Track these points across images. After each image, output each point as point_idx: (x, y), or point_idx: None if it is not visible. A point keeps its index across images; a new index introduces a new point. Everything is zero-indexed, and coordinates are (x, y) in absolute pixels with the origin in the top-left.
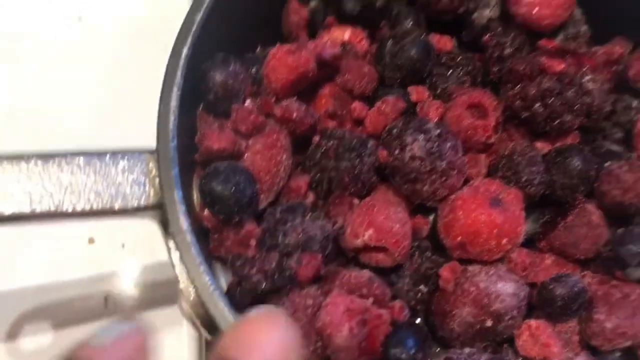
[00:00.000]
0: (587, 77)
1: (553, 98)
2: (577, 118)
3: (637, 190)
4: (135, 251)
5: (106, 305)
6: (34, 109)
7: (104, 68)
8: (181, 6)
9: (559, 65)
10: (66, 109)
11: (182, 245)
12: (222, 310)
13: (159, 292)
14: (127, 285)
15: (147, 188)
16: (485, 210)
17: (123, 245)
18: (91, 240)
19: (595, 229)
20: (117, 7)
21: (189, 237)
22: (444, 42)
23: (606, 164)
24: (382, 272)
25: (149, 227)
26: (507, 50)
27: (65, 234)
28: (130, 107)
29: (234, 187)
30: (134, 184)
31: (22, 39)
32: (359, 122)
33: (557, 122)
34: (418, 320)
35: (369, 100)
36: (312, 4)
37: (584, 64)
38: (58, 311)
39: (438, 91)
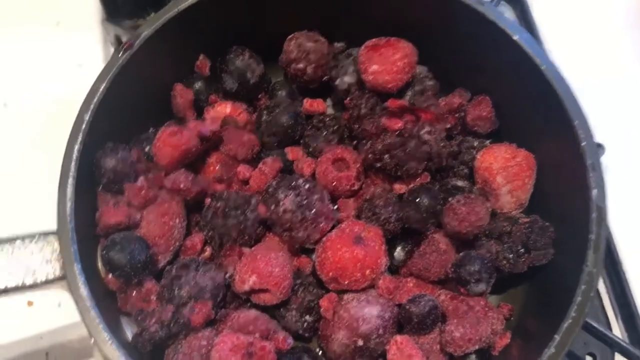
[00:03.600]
0: (425, 130)
1: (397, 150)
2: (421, 163)
3: (470, 221)
4: (71, 309)
5: None
6: None
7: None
8: None
9: (396, 124)
10: None
11: (83, 309)
12: (119, 358)
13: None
14: (66, 340)
15: (53, 264)
16: (349, 248)
17: (59, 304)
18: (30, 303)
19: (443, 254)
20: (36, 97)
21: (89, 302)
22: (317, 105)
23: (450, 199)
24: (272, 308)
25: None
26: (363, 110)
27: (4, 300)
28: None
29: (129, 255)
30: (42, 262)
31: None
32: (245, 182)
33: (404, 168)
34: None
35: (255, 162)
36: (197, 85)
37: (422, 118)
38: None
39: (310, 149)
